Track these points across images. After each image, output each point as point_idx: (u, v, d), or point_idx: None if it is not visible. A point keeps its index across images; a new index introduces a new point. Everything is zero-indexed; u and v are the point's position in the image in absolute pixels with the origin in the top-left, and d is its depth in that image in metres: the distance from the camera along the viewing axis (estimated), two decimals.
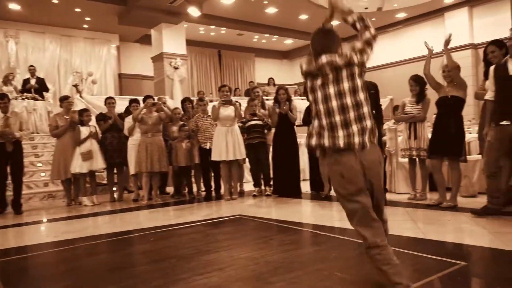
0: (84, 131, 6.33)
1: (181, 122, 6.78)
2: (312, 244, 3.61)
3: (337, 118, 2.09)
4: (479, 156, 5.16)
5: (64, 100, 6.67)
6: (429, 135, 5.00)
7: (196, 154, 6.64)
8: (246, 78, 15.96)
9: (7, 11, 10.45)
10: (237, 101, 6.62)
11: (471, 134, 6.09)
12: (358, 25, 2.17)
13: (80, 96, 8.86)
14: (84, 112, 6.53)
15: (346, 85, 2.09)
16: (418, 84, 5.17)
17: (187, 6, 10.29)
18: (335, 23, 2.46)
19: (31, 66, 9.95)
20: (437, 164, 4.78)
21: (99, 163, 6.38)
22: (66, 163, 6.31)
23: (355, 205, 2.11)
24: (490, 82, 4.04)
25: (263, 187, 6.59)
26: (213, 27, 13.01)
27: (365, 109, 2.10)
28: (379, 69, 12.74)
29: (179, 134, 6.61)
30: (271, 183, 6.53)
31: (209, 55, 15.32)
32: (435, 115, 4.86)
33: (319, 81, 2.15)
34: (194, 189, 6.96)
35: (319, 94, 2.15)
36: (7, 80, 9.29)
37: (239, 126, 6.40)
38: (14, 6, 10.20)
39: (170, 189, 7.35)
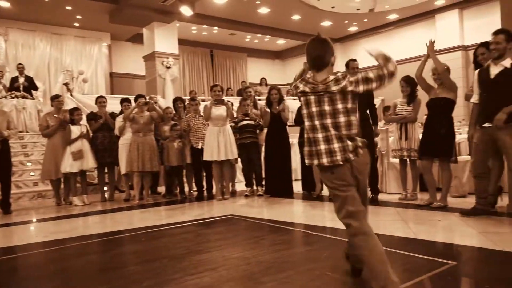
0: (75, 130, 6.28)
1: (173, 122, 6.76)
2: (303, 244, 3.62)
3: (333, 132, 2.21)
4: (469, 157, 5.23)
5: (55, 99, 6.60)
6: (420, 136, 5.04)
7: (188, 153, 6.62)
8: (238, 78, 15.96)
9: None
10: (229, 101, 6.61)
11: (461, 135, 6.16)
12: (379, 62, 2.27)
13: (71, 95, 8.77)
14: (75, 111, 6.47)
15: (340, 106, 2.20)
16: (409, 85, 5.21)
17: (179, 5, 10.25)
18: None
19: (20, 64, 9.81)
20: (428, 165, 4.82)
21: (90, 162, 6.33)
22: (57, 163, 6.25)
23: (344, 193, 2.21)
24: (474, 85, 4.12)
25: (255, 187, 6.59)
26: (205, 26, 12.98)
27: (354, 131, 2.23)
28: (370, 70, 12.79)
29: (170, 134, 6.59)
30: (263, 183, 6.54)
31: (201, 55, 15.29)
32: (425, 116, 4.90)
33: (313, 98, 2.26)
34: (186, 189, 6.94)
35: (314, 110, 2.25)
36: None
37: (231, 126, 6.39)
38: (3, 3, 10.07)
39: (161, 189, 7.33)
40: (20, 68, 9.65)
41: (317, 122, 2.25)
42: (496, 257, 2.84)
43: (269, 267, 2.76)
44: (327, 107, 2.22)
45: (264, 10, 11.62)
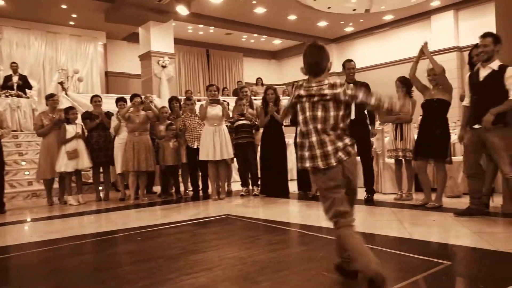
0: (70, 129, 6.25)
1: (168, 121, 6.74)
2: (299, 244, 3.62)
3: (324, 136, 2.32)
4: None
5: (49, 98, 6.57)
6: (415, 136, 5.06)
7: (184, 153, 6.61)
8: (234, 77, 15.94)
9: None
10: (225, 101, 6.61)
11: (456, 136, 6.18)
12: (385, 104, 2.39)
13: (66, 94, 8.73)
14: (70, 110, 6.44)
15: (332, 113, 2.31)
16: (404, 85, 5.23)
17: (175, 4, 10.22)
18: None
19: (13, 63, 9.73)
20: (423, 165, 4.84)
21: (85, 162, 6.30)
22: (53, 162, 6.22)
23: (335, 195, 2.29)
24: (466, 88, 4.20)
25: (250, 187, 6.59)
26: (201, 26, 12.95)
27: (345, 136, 2.35)
28: (366, 71, 12.84)
29: (166, 133, 6.58)
30: (259, 183, 6.54)
31: (197, 54, 15.26)
32: (421, 117, 4.93)
33: (307, 104, 2.36)
34: (181, 188, 6.93)
35: (308, 114, 2.35)
36: None
37: (227, 126, 6.38)
38: None
39: (157, 189, 7.31)
40: (14, 66, 9.57)
41: (311, 127, 2.33)
42: (491, 257, 2.86)
43: (265, 267, 2.76)
44: (319, 113, 2.31)
45: (260, 10, 11.62)
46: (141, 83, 11.51)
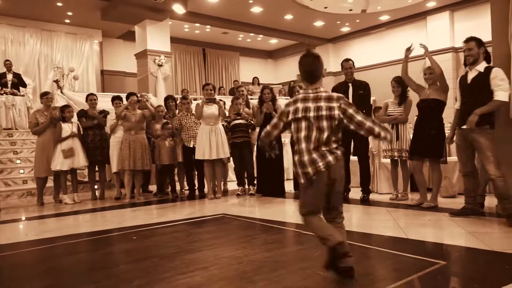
0: (66, 127, 6.22)
1: (164, 120, 6.73)
2: (295, 243, 3.62)
3: (316, 145, 2.49)
4: None
5: (44, 96, 6.52)
6: (411, 136, 5.08)
7: (180, 152, 6.60)
8: (230, 76, 15.93)
9: None
10: (221, 100, 6.60)
11: None
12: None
13: (61, 92, 8.68)
14: (65, 108, 6.40)
15: (325, 123, 2.48)
16: (400, 85, 5.25)
17: (172, 3, 10.20)
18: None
19: (7, 60, 9.65)
20: (418, 165, 4.86)
21: (81, 161, 6.27)
22: (48, 160, 6.18)
23: (314, 194, 2.50)
24: (457, 92, 4.30)
25: (246, 186, 6.59)
26: (198, 25, 12.92)
27: (335, 144, 2.52)
28: (362, 71, 12.85)
29: (162, 132, 6.56)
30: (255, 182, 6.54)
31: (194, 53, 15.23)
32: (416, 117, 4.94)
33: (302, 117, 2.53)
34: (177, 187, 6.91)
35: (303, 125, 2.52)
36: None
37: (223, 125, 6.38)
38: None
39: (153, 188, 7.30)
40: (8, 64, 9.49)
41: (303, 134, 2.51)
42: (485, 256, 2.88)
43: (261, 266, 2.76)
44: (312, 115, 2.48)
45: (256, 10, 11.61)
46: (137, 81, 11.47)
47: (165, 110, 7.04)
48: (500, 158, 4.22)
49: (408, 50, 4.91)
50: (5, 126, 8.78)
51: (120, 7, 10.13)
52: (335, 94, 2.54)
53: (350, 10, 11.39)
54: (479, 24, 10.28)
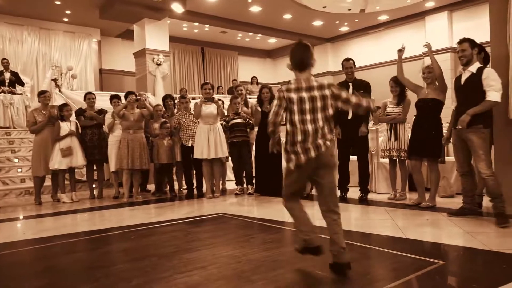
0: (65, 126, 6.21)
1: (163, 119, 6.72)
2: (293, 243, 3.60)
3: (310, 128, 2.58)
4: None
5: (41, 94, 6.50)
6: (409, 136, 5.09)
7: (178, 151, 6.59)
8: (229, 76, 15.92)
9: None
10: (219, 99, 6.60)
11: None
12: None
13: (59, 91, 8.66)
14: (64, 107, 6.39)
15: (319, 115, 2.58)
16: (398, 85, 5.25)
17: (170, 2, 10.19)
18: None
19: (4, 59, 9.61)
20: (417, 165, 4.87)
21: (79, 159, 6.26)
22: (46, 159, 6.17)
23: (300, 179, 2.69)
24: (452, 93, 4.33)
25: (245, 186, 6.59)
26: (196, 24, 12.90)
27: (328, 134, 2.61)
28: (360, 70, 12.82)
29: (160, 131, 6.55)
30: (253, 181, 6.54)
31: (192, 52, 15.21)
32: (414, 117, 4.95)
33: (295, 101, 2.60)
34: (176, 187, 6.91)
35: (297, 117, 2.60)
36: None
37: (222, 124, 6.37)
38: None
39: (151, 187, 7.29)
40: (5, 63, 9.46)
41: (298, 125, 2.57)
42: (483, 256, 2.89)
43: (259, 266, 2.76)
44: (307, 108, 2.56)
45: (255, 9, 11.61)
46: (135, 80, 11.45)
47: (164, 109, 7.03)
48: (498, 157, 4.25)
49: (400, 51, 4.96)
50: (3, 125, 8.77)
51: (119, 5, 10.10)
52: (325, 82, 2.62)
53: (349, 9, 11.39)
54: (477, 25, 10.31)
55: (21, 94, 9.38)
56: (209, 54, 15.66)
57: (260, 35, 14.42)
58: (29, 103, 9.29)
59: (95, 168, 6.78)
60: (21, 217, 5.43)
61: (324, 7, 11.20)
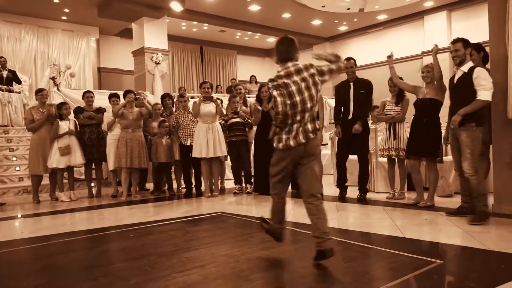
0: (64, 125, 6.19)
1: (161, 118, 6.71)
2: (292, 242, 3.62)
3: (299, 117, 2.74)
4: None
5: (38, 93, 6.48)
6: (408, 136, 5.09)
7: (177, 150, 6.59)
8: (228, 75, 15.91)
9: None
10: (218, 98, 6.59)
11: None
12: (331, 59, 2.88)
13: (58, 90, 8.64)
14: (63, 105, 6.38)
15: (308, 104, 2.73)
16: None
17: (169, 0, 10.17)
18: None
19: (2, 57, 9.57)
20: (415, 164, 4.88)
21: (77, 158, 6.25)
22: (44, 158, 6.15)
23: (285, 169, 2.87)
24: (448, 93, 4.38)
25: (244, 185, 6.59)
26: (195, 23, 12.89)
27: (317, 122, 2.81)
28: (360, 70, 12.84)
29: (159, 130, 6.55)
30: (252, 180, 6.54)
31: (191, 51, 15.20)
32: (413, 116, 4.95)
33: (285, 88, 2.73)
34: (174, 185, 6.90)
35: (288, 102, 2.71)
36: None
37: (220, 123, 6.37)
38: None
39: (149, 186, 7.28)
40: (3, 61, 9.42)
41: (289, 112, 2.68)
42: (482, 256, 2.89)
43: (258, 265, 2.77)
44: (303, 88, 2.70)
45: (254, 8, 11.59)
46: (134, 79, 11.43)
47: (162, 108, 7.02)
48: (497, 157, 4.26)
49: (390, 57, 5.06)
50: (1, 123, 8.74)
51: (117, 4, 10.08)
52: (307, 63, 2.79)
53: (348, 9, 11.39)
54: (476, 24, 10.32)
55: (19, 92, 9.35)
56: (208, 53, 15.64)
57: (259, 34, 14.41)
58: (27, 102, 9.26)
59: (93, 166, 6.77)
60: (19, 215, 5.42)
61: (323, 6, 11.20)
